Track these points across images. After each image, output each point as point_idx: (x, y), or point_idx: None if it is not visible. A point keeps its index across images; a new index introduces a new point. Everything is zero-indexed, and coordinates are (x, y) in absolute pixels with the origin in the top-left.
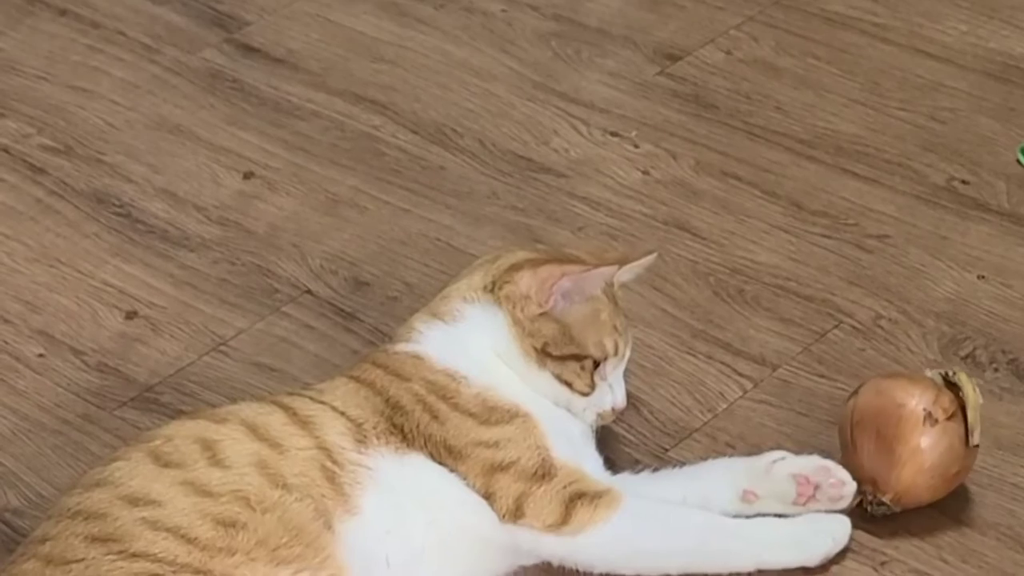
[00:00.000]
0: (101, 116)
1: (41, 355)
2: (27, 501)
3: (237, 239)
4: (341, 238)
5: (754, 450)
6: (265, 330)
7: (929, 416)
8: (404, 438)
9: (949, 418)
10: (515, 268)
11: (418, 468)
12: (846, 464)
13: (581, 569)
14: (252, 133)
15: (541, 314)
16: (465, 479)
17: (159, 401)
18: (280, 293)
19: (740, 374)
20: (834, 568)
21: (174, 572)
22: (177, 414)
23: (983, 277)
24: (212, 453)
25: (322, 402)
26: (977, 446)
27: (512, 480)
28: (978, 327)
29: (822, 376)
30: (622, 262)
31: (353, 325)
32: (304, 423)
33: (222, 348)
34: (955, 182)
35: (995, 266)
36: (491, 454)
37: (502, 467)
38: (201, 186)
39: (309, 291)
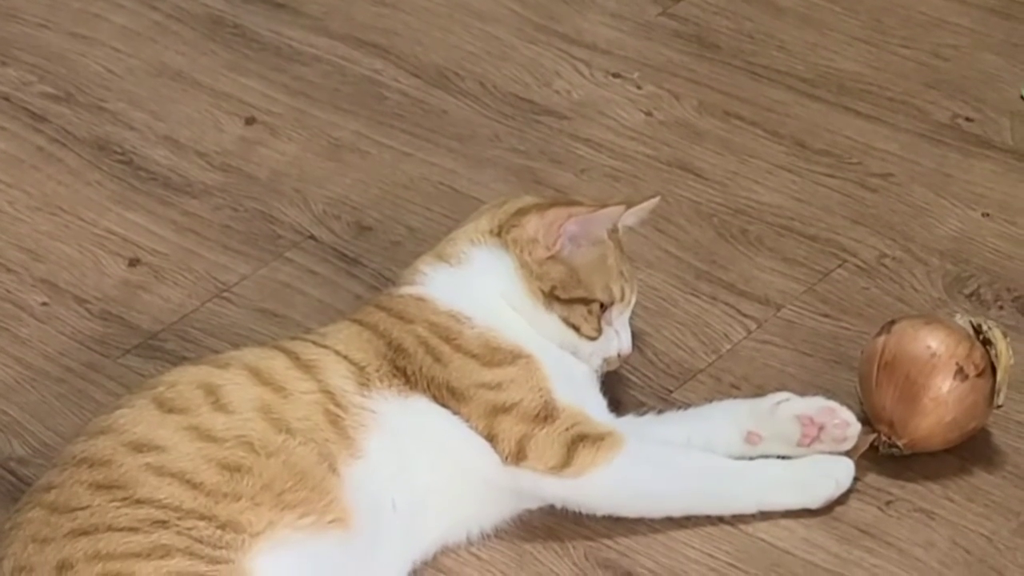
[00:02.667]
0: (102, 63)
1: (44, 304)
2: (32, 450)
3: (239, 185)
4: (343, 183)
5: (758, 391)
6: (268, 276)
7: (960, 371)
8: (407, 381)
9: (979, 374)
10: (522, 212)
11: (421, 411)
12: (866, 401)
13: (584, 511)
14: (253, 79)
15: (549, 257)
16: (467, 421)
17: (163, 348)
18: (283, 239)
19: (744, 315)
20: (838, 508)
21: (179, 518)
22: (181, 361)
23: (987, 215)
24: (216, 398)
25: (325, 346)
26: (1000, 406)
27: (514, 422)
28: (982, 265)
29: (826, 316)
30: (628, 204)
31: (356, 270)
32: (307, 367)
33: (225, 294)
34: (959, 119)
35: (999, 203)
36: (493, 396)
37: (504, 409)
38: (203, 132)
39: (312, 236)
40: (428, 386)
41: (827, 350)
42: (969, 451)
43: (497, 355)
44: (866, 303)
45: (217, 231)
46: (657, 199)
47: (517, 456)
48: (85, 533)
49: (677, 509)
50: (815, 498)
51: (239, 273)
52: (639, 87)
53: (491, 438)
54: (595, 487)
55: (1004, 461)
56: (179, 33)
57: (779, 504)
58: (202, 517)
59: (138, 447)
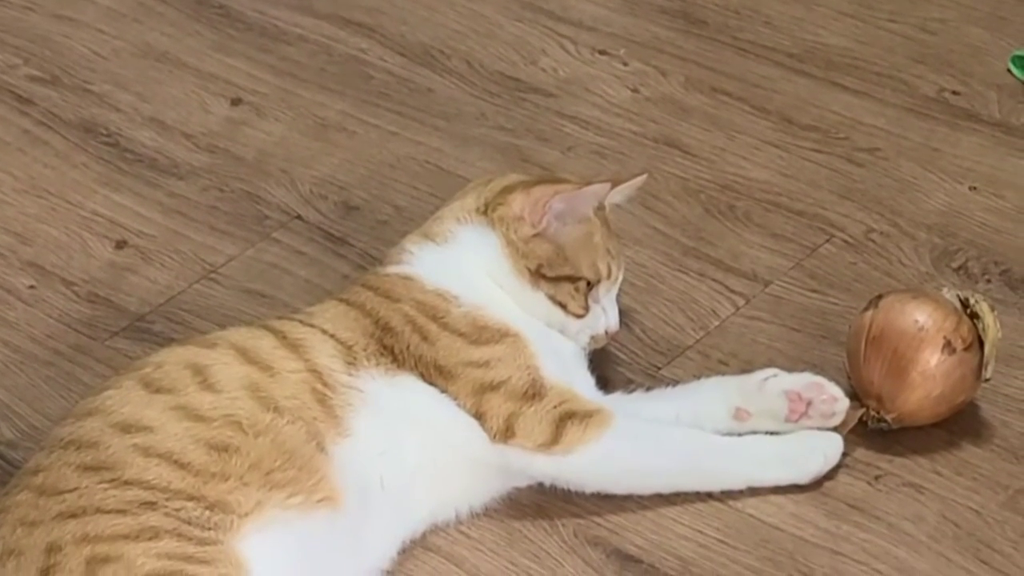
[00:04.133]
0: (87, 45)
1: (32, 287)
2: (20, 433)
3: (226, 166)
4: (330, 163)
5: (747, 367)
6: (255, 256)
7: (948, 344)
8: (394, 359)
9: (966, 348)
10: (508, 190)
11: (409, 389)
12: (854, 375)
13: (572, 489)
14: (239, 59)
15: (535, 235)
16: (456, 399)
17: (151, 330)
18: (270, 219)
19: (732, 291)
20: (827, 484)
21: (167, 499)
22: (169, 343)
23: (975, 188)
24: (203, 377)
25: (312, 325)
26: (988, 379)
27: (502, 400)
28: (970, 238)
29: (814, 291)
30: (614, 181)
31: (343, 249)
32: (294, 346)
33: (213, 276)
34: (946, 93)
35: (987, 177)
36: (481, 374)
37: (492, 387)
38: (189, 113)
39: (299, 216)
40: (416, 365)
41: (815, 325)
42: (957, 425)
43: (484, 333)
44: (854, 278)
45: (204, 212)
46: (644, 176)
47: (505, 434)
48: (73, 515)
49: (666, 486)
50: (804, 473)
51: (226, 254)
52: (625, 64)
53: (479, 416)
54: (583, 464)
55: (992, 435)
56: (164, 14)
57: (768, 480)
58: (190, 498)
59: (126, 428)
